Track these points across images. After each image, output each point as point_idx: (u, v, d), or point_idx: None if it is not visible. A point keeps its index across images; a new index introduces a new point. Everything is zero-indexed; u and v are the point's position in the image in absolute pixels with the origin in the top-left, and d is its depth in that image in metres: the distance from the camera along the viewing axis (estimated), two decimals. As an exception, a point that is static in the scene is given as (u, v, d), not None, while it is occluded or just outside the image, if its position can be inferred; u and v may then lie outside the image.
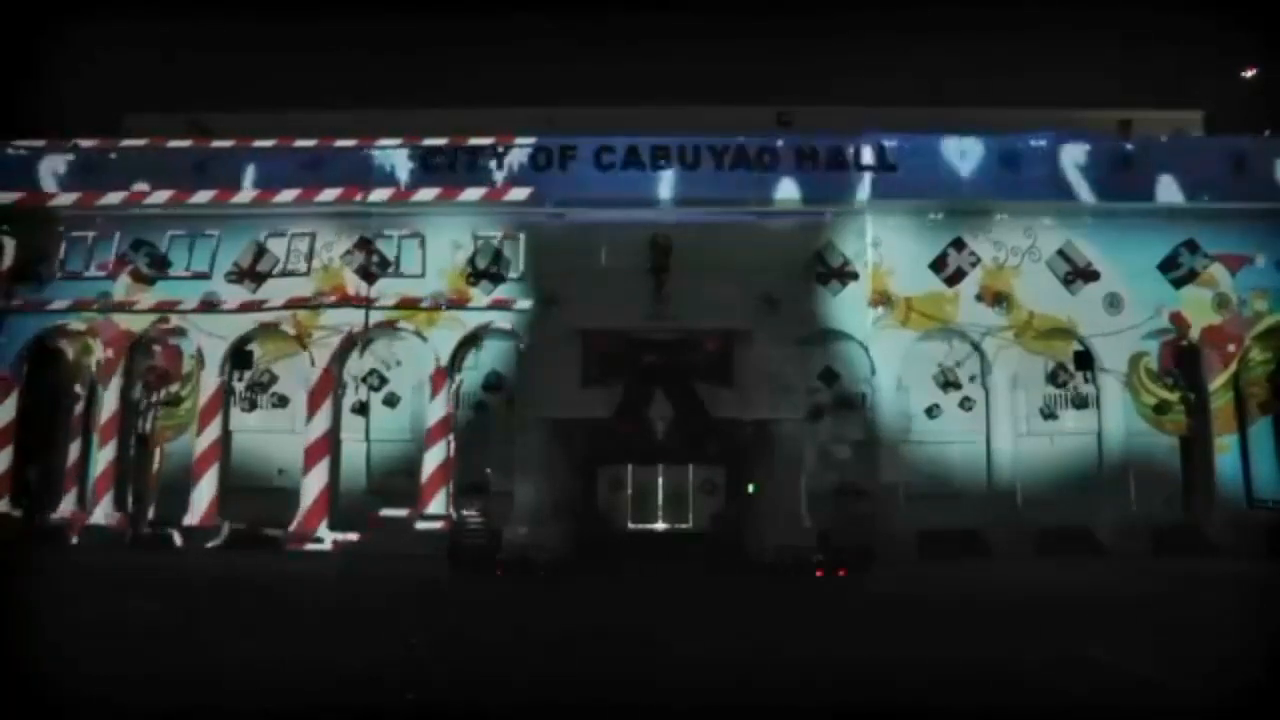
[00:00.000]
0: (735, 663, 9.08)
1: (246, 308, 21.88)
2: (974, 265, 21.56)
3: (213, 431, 21.84)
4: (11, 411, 21.91)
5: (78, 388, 23.13)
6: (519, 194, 21.40)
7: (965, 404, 22.49)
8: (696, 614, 12.78)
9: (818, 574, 16.39)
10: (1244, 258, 21.42)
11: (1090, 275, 21.46)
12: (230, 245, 22.06)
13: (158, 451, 22.93)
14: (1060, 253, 21.55)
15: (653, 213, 21.27)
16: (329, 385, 21.88)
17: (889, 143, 21.40)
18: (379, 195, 21.54)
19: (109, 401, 22.03)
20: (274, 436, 22.98)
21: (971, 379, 22.37)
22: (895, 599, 14.35)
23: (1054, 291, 21.48)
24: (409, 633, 10.36)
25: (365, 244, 21.72)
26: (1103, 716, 7.35)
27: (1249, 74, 23.45)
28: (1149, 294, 21.34)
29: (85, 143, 22.35)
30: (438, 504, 20.92)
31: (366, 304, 21.46)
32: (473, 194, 21.42)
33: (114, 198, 21.78)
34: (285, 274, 21.93)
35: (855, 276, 21.52)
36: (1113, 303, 21.38)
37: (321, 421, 21.68)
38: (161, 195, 21.73)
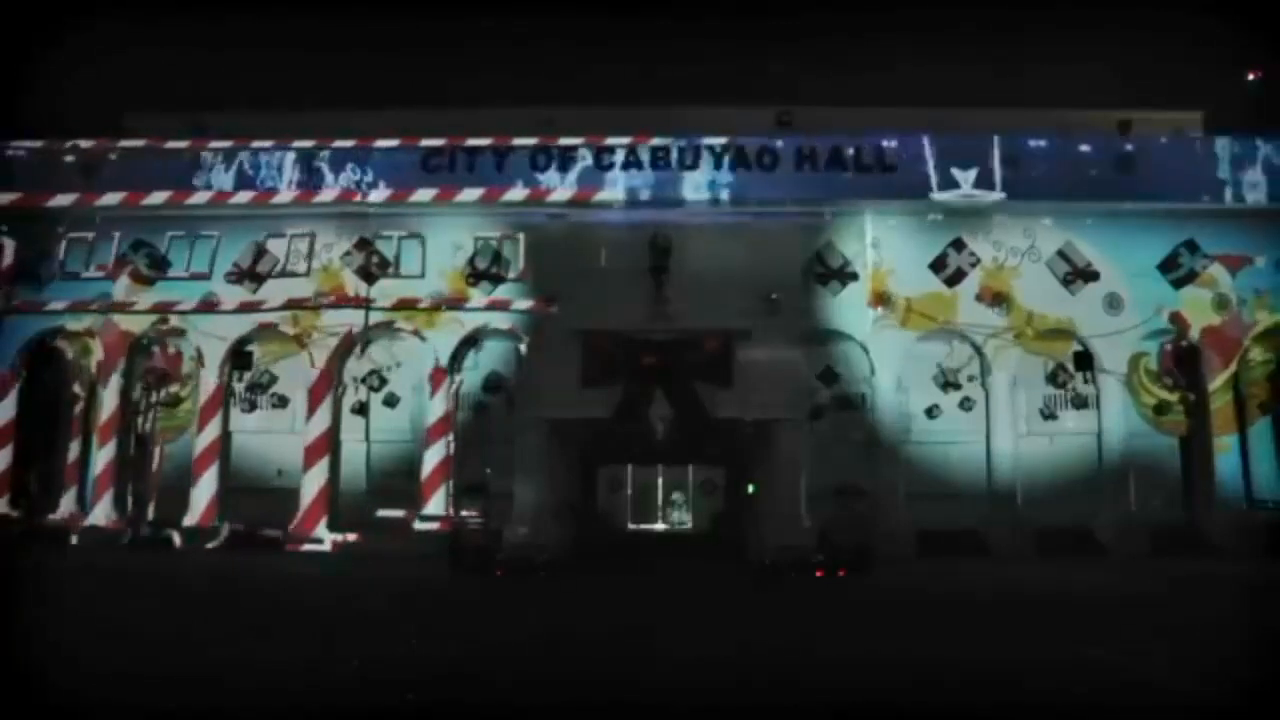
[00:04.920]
0: (735, 662, 9.08)
1: (246, 308, 21.89)
2: (974, 265, 21.58)
3: (212, 432, 21.86)
4: (11, 412, 21.92)
5: (77, 388, 23.15)
6: (518, 194, 21.40)
7: (965, 404, 22.51)
8: (696, 614, 12.78)
9: (818, 574, 16.38)
10: (1244, 258, 21.43)
11: (1090, 275, 21.48)
12: (230, 246, 22.07)
13: (157, 452, 22.94)
14: (1060, 253, 21.57)
15: (653, 213, 21.28)
16: (328, 386, 21.88)
17: (889, 142, 21.39)
18: (378, 195, 21.53)
19: (109, 402, 22.03)
20: (273, 437, 23.01)
21: (970, 379, 22.37)
22: (895, 599, 14.34)
23: (1054, 292, 21.50)
24: (409, 633, 10.35)
25: (365, 244, 21.72)
26: (1103, 716, 7.34)
27: (1253, 77, 23.44)
28: (1149, 294, 21.35)
29: (85, 143, 22.33)
30: (437, 504, 20.93)
31: (366, 304, 21.46)
32: (472, 194, 21.41)
33: (114, 198, 21.77)
34: (285, 274, 21.94)
35: (855, 277, 21.56)
36: (1112, 303, 21.40)
37: (321, 422, 21.69)
38: (161, 196, 21.73)
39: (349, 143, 21.81)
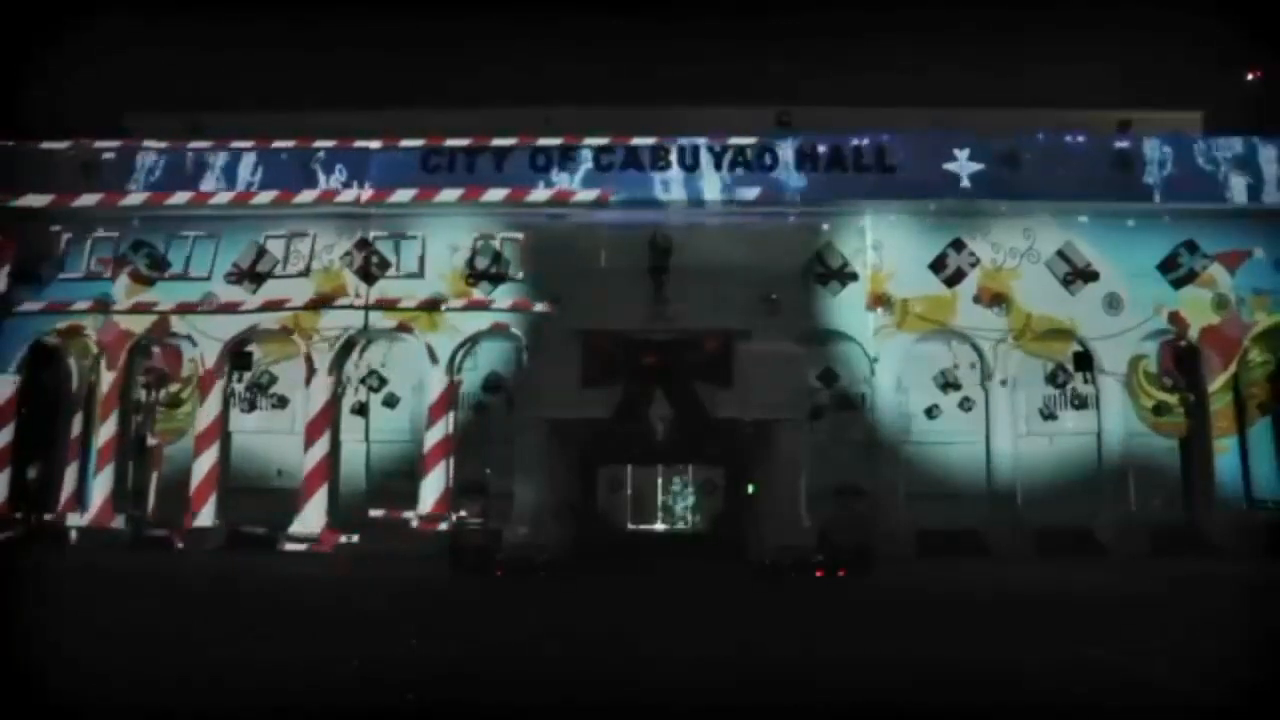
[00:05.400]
0: (735, 662, 9.08)
1: (246, 309, 21.87)
2: (973, 266, 21.57)
3: (212, 433, 21.83)
4: (11, 412, 21.90)
5: (77, 388, 23.11)
6: (517, 194, 21.37)
7: (965, 404, 22.50)
8: (696, 614, 12.78)
9: (818, 574, 16.39)
10: (1243, 258, 21.42)
11: (1089, 276, 21.47)
12: (230, 246, 22.06)
13: (157, 452, 22.94)
14: (1059, 253, 21.56)
15: (653, 213, 21.28)
16: (329, 386, 21.87)
17: (889, 142, 21.37)
18: (378, 196, 21.50)
19: (108, 402, 22.01)
20: (273, 437, 23.01)
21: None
22: (895, 599, 14.34)
23: (1053, 292, 21.49)
24: (409, 633, 10.36)
25: (365, 245, 21.72)
26: (1103, 716, 7.35)
27: (1251, 77, 23.44)
28: (1148, 294, 21.34)
29: (85, 143, 22.30)
30: (437, 504, 20.90)
31: (366, 305, 21.45)
32: (471, 194, 21.37)
33: (115, 198, 21.75)
34: (285, 275, 21.93)
35: (855, 277, 21.55)
36: (1112, 303, 21.39)
37: (321, 422, 21.67)
38: (162, 196, 21.71)
39: (348, 143, 21.78)
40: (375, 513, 21.16)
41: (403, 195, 21.43)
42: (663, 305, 20.71)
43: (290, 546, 20.65)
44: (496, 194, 21.34)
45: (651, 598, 14.67)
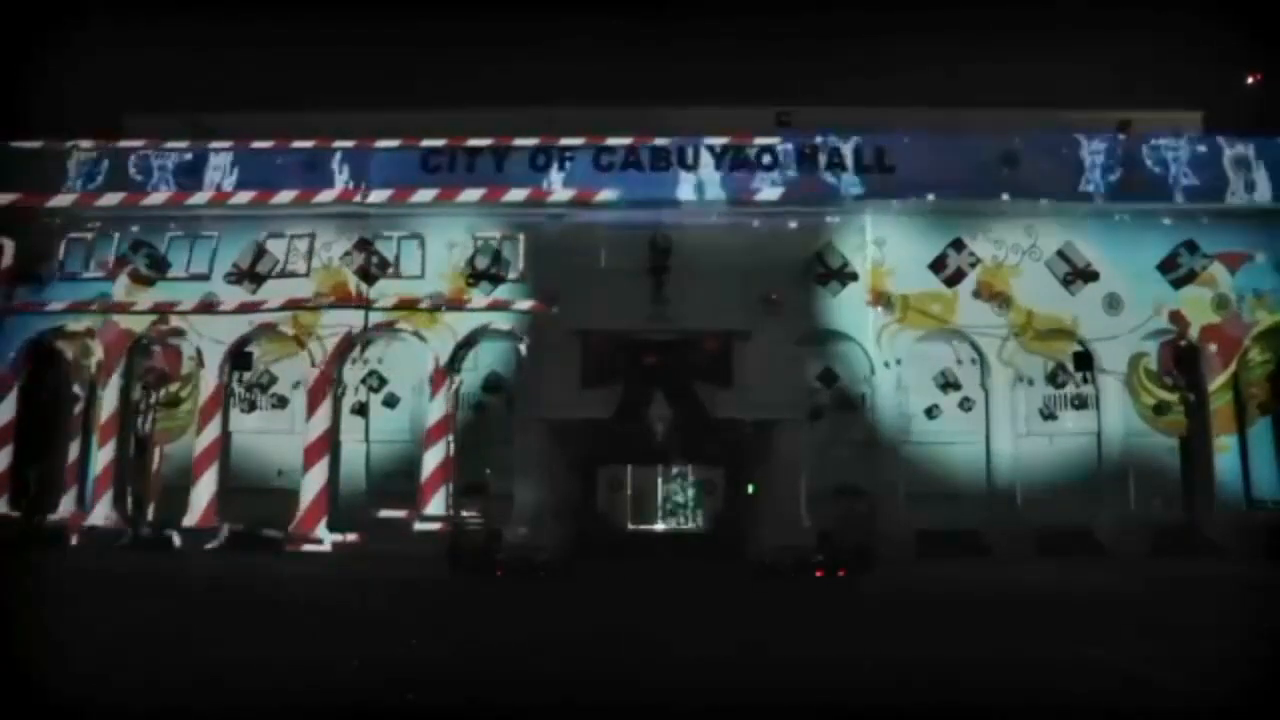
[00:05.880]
0: (735, 663, 9.09)
1: (246, 308, 21.87)
2: (973, 266, 21.57)
3: (212, 432, 21.82)
4: (11, 412, 21.90)
5: (77, 388, 23.10)
6: (518, 194, 21.36)
7: (965, 404, 22.48)
8: (696, 614, 12.79)
9: (818, 574, 16.39)
10: (1243, 258, 21.42)
11: (1090, 275, 21.47)
12: (230, 246, 22.06)
13: (157, 452, 22.92)
14: (1060, 253, 21.56)
15: (653, 213, 21.27)
16: (328, 386, 21.87)
17: (888, 142, 21.36)
18: (378, 196, 21.49)
19: (108, 402, 22.00)
20: (273, 437, 22.96)
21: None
22: (895, 599, 14.35)
23: (1053, 292, 21.48)
24: (409, 633, 10.36)
25: (365, 245, 21.73)
26: (1103, 716, 7.35)
27: (1252, 80, 23.44)
28: (1148, 294, 21.33)
29: (85, 143, 22.29)
30: (437, 505, 20.88)
31: (366, 305, 21.45)
32: (472, 195, 21.34)
33: (114, 198, 21.74)
34: (285, 275, 21.93)
35: (855, 277, 21.55)
36: (1112, 303, 21.38)
37: (321, 422, 21.67)
38: (161, 196, 21.72)
39: (349, 143, 21.77)
40: (385, 513, 21.08)
41: (403, 195, 21.39)
42: (663, 305, 20.71)
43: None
44: (497, 194, 21.29)
45: (651, 598, 14.68)
